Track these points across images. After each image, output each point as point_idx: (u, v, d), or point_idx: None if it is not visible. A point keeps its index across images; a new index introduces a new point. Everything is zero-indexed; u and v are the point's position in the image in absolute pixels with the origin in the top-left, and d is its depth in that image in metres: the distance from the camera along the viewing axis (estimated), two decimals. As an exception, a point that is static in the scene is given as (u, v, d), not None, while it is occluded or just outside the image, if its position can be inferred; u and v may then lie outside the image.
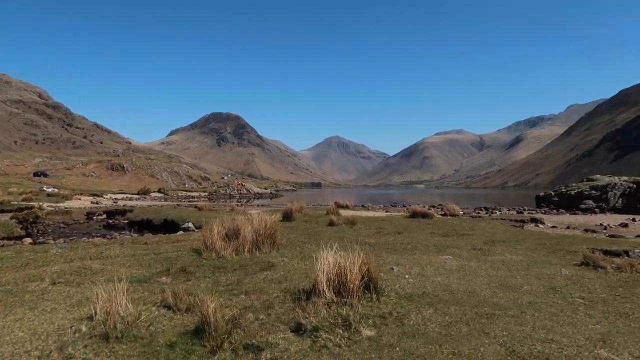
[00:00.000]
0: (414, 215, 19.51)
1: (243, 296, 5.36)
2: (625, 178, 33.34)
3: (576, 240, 12.24)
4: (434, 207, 34.31)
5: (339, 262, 5.06)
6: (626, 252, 10.78)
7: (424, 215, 19.12)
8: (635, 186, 30.02)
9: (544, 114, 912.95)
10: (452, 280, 6.39)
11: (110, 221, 23.68)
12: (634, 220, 22.74)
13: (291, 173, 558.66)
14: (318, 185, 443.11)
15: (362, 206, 34.13)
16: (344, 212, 21.41)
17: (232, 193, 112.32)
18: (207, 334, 3.89)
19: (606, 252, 10.79)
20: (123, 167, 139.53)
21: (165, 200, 70.27)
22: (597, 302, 5.58)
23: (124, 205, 32.85)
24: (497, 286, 6.19)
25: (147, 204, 43.86)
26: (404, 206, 36.43)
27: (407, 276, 6.53)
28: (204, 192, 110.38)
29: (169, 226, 17.96)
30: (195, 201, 55.01)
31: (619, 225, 20.18)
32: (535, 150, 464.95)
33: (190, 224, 15.41)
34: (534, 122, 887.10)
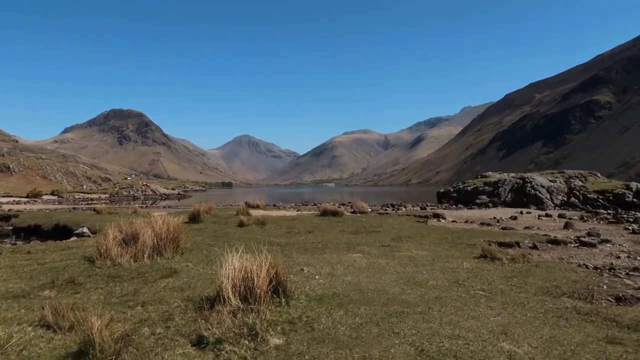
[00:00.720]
0: (325, 213, 19.63)
1: (139, 308, 4.85)
2: (512, 175, 36.50)
3: (474, 233, 13.00)
4: (343, 205, 34.96)
5: (246, 266, 4.76)
6: (517, 244, 11.66)
7: (334, 214, 19.31)
8: (521, 182, 32.93)
9: (442, 115, 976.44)
10: (361, 279, 6.36)
11: (-9, 228, 21.09)
12: (521, 213, 24.89)
13: (200, 173, 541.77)
14: (229, 185, 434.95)
15: (274, 205, 33.84)
16: (254, 212, 20.99)
17: (136, 194, 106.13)
18: (91, 356, 3.38)
19: (500, 244, 11.58)
20: (9, 167, 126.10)
21: (60, 203, 64.47)
22: (496, 293, 5.84)
23: (9, 210, 29.53)
24: (405, 282, 6.26)
25: (37, 208, 39.88)
26: (315, 205, 36.72)
27: (317, 277, 6.39)
28: (104, 194, 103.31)
29: (61, 232, 16.30)
30: (95, 204, 51.10)
31: (510, 218, 21.92)
32: (435, 150, 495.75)
33: (85, 229, 14.05)
34: (433, 123, 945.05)
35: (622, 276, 7.64)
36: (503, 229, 16.59)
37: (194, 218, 15.60)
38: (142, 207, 47.09)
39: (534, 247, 11.37)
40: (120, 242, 7.61)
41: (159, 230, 7.75)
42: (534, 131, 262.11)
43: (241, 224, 13.92)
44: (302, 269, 6.83)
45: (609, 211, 26.17)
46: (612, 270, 8.33)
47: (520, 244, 11.59)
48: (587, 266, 8.76)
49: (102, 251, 7.21)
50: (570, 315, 4.88)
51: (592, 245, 11.94)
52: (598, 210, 26.60)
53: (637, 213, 24.91)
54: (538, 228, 17.09)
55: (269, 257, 5.00)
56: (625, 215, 23.06)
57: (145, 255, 7.34)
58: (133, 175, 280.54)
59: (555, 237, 13.51)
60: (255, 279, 4.57)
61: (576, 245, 12.09)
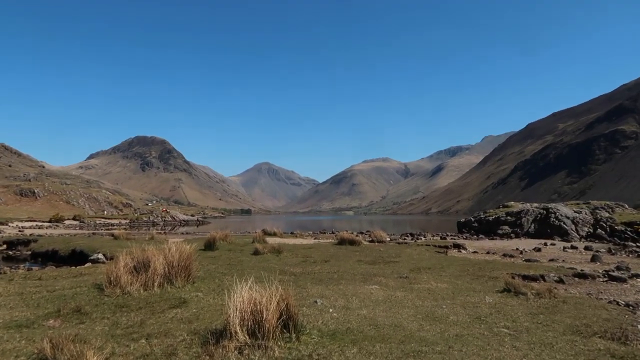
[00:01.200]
0: (342, 242, 19.30)
1: (143, 341, 4.63)
2: (536, 205, 35.62)
3: (497, 265, 12.52)
4: (362, 233, 34.54)
5: (255, 298, 4.53)
6: (542, 277, 11.15)
7: (352, 242, 18.97)
8: (545, 212, 32.08)
9: (462, 144, 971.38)
10: (377, 313, 6.05)
11: (11, 252, 21.32)
12: (545, 244, 24.11)
13: (220, 199, 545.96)
14: (248, 211, 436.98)
15: (291, 233, 33.61)
16: (271, 240, 20.79)
17: (155, 220, 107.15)
18: (84, 396, 3.17)
19: (524, 277, 11.10)
20: (34, 192, 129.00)
21: (81, 228, 65.54)
22: (522, 331, 5.46)
23: (30, 235, 29.93)
24: (424, 318, 5.93)
25: (58, 233, 40.50)
26: (333, 233, 36.36)
27: (331, 310, 6.10)
28: (124, 219, 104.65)
29: (78, 257, 16.32)
30: (115, 229, 51.65)
31: (533, 249, 21.23)
32: (456, 178, 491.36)
33: (100, 255, 14.03)
34: (453, 152, 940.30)
35: (657, 314, 7.17)
36: (526, 261, 16.02)
37: (209, 245, 15.44)
38: (160, 233, 47.41)
39: (560, 281, 10.86)
40: (131, 269, 7.46)
41: (171, 258, 7.58)
42: (557, 161, 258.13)
43: (256, 252, 13.70)
44: (316, 301, 6.55)
45: (638, 244, 25.19)
46: (645, 308, 7.85)
47: (546, 277, 11.09)
48: (618, 303, 8.27)
49: (111, 279, 7.06)
50: (603, 359, 4.49)
51: (622, 280, 11.35)
52: (626, 243, 25.63)
53: (668, 246, 23.93)
54: (563, 261, 16.47)
55: (280, 288, 4.77)
56: (656, 249, 22.15)
57: (156, 284, 7.16)
58: (154, 201, 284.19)
59: (582, 270, 12.94)
60: (265, 312, 4.34)
61: (605, 279, 11.53)
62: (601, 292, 9.63)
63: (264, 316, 4.32)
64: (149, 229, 61.69)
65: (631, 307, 7.89)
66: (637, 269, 14.08)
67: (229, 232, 20.10)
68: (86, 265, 12.19)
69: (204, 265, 10.63)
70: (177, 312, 5.86)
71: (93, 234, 42.90)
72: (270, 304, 4.45)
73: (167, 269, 7.45)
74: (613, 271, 12.82)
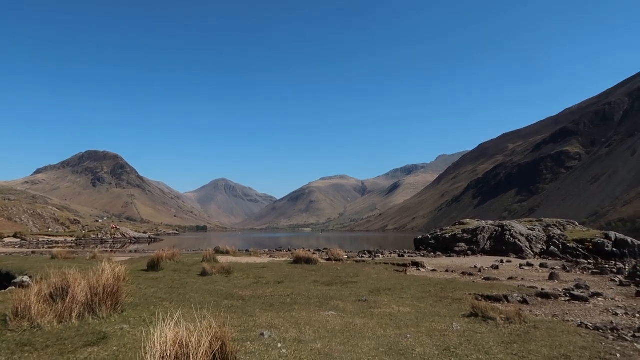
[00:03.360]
0: (298, 260, 18.40)
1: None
2: (491, 222, 36.00)
3: (458, 285, 11.99)
4: (319, 250, 33.72)
5: (182, 338, 3.62)
6: (505, 297, 10.68)
7: (308, 261, 18.10)
8: (500, 229, 32.38)
9: (418, 163, 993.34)
10: (334, 347, 5.22)
11: None
12: (502, 261, 24.10)
13: (175, 216, 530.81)
14: (203, 228, 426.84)
15: (246, 251, 32.32)
16: (223, 259, 19.63)
17: (104, 238, 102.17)
18: None
19: (487, 298, 10.60)
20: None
21: (21, 246, 61.33)
22: (498, 366, 4.79)
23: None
24: (387, 351, 5.15)
25: (-8, 252, 37.41)
26: (289, 250, 35.35)
27: (280, 344, 5.20)
28: (71, 236, 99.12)
29: (3, 280, 14.63)
30: (59, 247, 48.43)
31: (491, 267, 21.06)
32: (411, 196, 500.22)
33: (26, 278, 12.51)
34: (409, 170, 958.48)
35: (629, 339, 6.77)
36: (486, 279, 15.68)
37: (153, 265, 14.17)
38: (106, 251, 44.80)
39: (524, 301, 10.44)
40: (47, 297, 6.33)
41: (95, 283, 6.48)
42: (508, 180, 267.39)
43: (204, 273, 12.58)
44: (262, 334, 5.62)
45: (589, 261, 25.66)
46: (615, 331, 7.46)
47: (509, 297, 10.64)
48: (586, 326, 7.84)
49: (19, 309, 5.88)
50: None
51: (584, 300, 11.08)
52: (579, 260, 26.06)
53: (618, 263, 24.44)
54: (522, 279, 16.25)
55: (214, 324, 3.87)
56: (607, 266, 22.53)
57: (74, 315, 6.04)
58: (105, 218, 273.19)
59: (542, 289, 12.67)
60: (192, 358, 3.43)
61: (567, 299, 11.22)
62: (566, 314, 9.24)
63: (191, 361, 3.42)
64: (97, 247, 58.38)
65: (601, 331, 7.48)
66: (595, 287, 13.97)
67: (177, 250, 18.75)
68: (6, 289, 10.72)
69: (142, 289, 9.49)
70: (92, 352, 4.81)
71: (32, 252, 39.97)
72: (201, 345, 3.55)
73: (89, 295, 6.35)
74: (574, 290, 12.60)
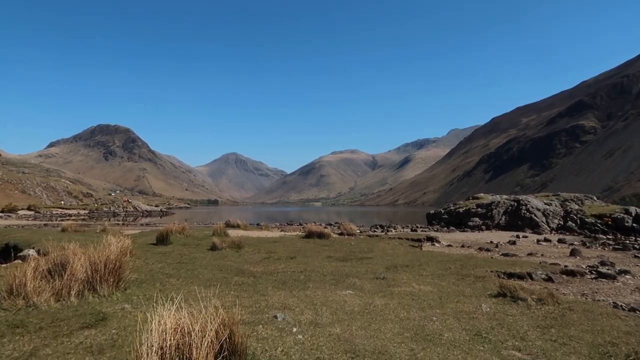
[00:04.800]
0: (310, 235, 17.95)
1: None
2: (506, 197, 35.23)
3: (478, 261, 11.46)
4: (330, 225, 33.35)
5: (183, 326, 3.13)
6: (529, 275, 10.16)
7: (320, 236, 17.64)
8: (516, 204, 31.65)
9: (429, 137, 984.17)
10: (355, 331, 4.72)
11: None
12: (518, 237, 23.53)
13: (186, 190, 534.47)
14: (214, 202, 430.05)
15: (257, 224, 32.05)
16: (233, 232, 19.28)
17: (116, 211, 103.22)
18: None
19: (510, 275, 10.08)
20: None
21: (35, 219, 61.92)
22: (538, 355, 4.27)
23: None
24: (413, 337, 4.65)
25: (6, 224, 37.65)
26: (300, 224, 35.05)
27: (295, 329, 4.70)
28: (83, 209, 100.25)
29: (8, 253, 14.38)
30: (72, 220, 48.72)
31: (508, 242, 20.52)
32: (422, 171, 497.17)
33: (32, 251, 12.24)
34: (420, 144, 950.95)
35: (673, 322, 6.19)
36: (504, 255, 15.18)
37: (162, 239, 13.79)
38: (118, 224, 44.96)
39: (549, 279, 9.90)
40: (45, 273, 5.91)
41: (96, 258, 6.04)
42: (520, 154, 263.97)
43: (214, 248, 12.17)
44: (276, 316, 5.14)
45: (608, 236, 24.97)
46: (653, 313, 6.90)
47: (533, 275, 10.11)
48: (621, 306, 7.30)
49: (13, 286, 5.47)
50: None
51: (612, 278, 10.52)
52: (597, 235, 25.38)
53: (638, 239, 23.75)
54: (542, 255, 15.71)
55: (220, 310, 3.37)
56: (628, 242, 21.86)
57: (73, 293, 5.61)
58: (117, 192, 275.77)
59: (566, 266, 12.12)
60: (194, 351, 2.93)
61: (594, 276, 10.67)
62: (596, 292, 8.71)
63: (194, 354, 2.92)
64: (109, 220, 58.74)
65: (638, 312, 6.93)
66: (620, 264, 13.40)
67: (186, 224, 18.40)
68: (10, 263, 10.41)
69: (149, 264, 9.09)
70: (88, 335, 4.37)
71: (45, 225, 40.18)
72: (206, 334, 3.05)
73: (90, 272, 5.91)
74: (600, 267, 12.02)
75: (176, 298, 3.58)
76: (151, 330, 3.07)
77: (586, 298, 7.98)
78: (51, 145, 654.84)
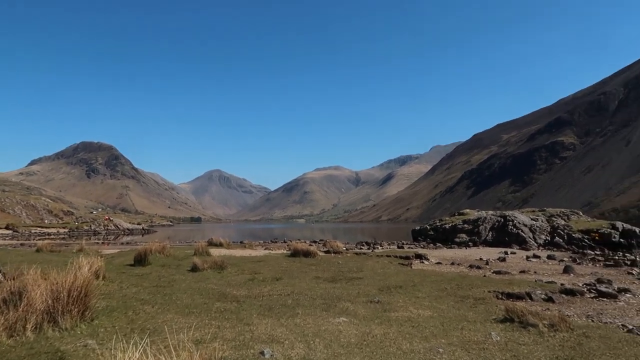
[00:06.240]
0: (296, 253, 17.29)
1: None
2: (492, 212, 35.05)
3: (473, 281, 10.96)
4: (315, 242, 32.68)
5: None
6: (528, 295, 9.65)
7: (306, 254, 16.99)
8: (502, 220, 31.45)
9: (412, 154, 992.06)
10: (354, 371, 4.12)
11: None
12: (506, 253, 23.18)
13: (169, 207, 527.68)
14: (198, 220, 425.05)
15: (240, 242, 31.22)
16: (216, 252, 18.52)
17: (97, 229, 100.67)
18: None
19: (509, 296, 9.56)
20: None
21: (12, 238, 59.79)
22: (565, 395, 3.71)
23: None
24: (421, 376, 4.06)
25: (-22, 244, 36.10)
26: (285, 242, 34.29)
27: (284, 368, 4.09)
28: (64, 228, 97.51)
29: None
30: (51, 239, 47.10)
31: (497, 259, 20.14)
32: (405, 187, 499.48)
33: (-3, 275, 11.34)
34: (403, 161, 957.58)
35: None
36: (497, 273, 14.71)
37: (140, 260, 13.00)
38: (98, 243, 43.59)
39: (549, 299, 9.44)
40: (-1, 303, 5.19)
41: (59, 285, 5.34)
42: (502, 170, 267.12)
43: (194, 269, 11.44)
44: (262, 352, 4.46)
45: (595, 252, 24.80)
46: (668, 337, 6.42)
47: (532, 295, 9.63)
48: (632, 330, 6.82)
49: (-41, 320, 4.74)
50: None
51: (613, 297, 10.10)
52: (585, 251, 25.20)
53: (626, 254, 23.61)
54: (535, 272, 15.30)
55: (196, 354, 2.74)
56: (618, 257, 21.67)
57: (29, 326, 4.89)
58: (99, 209, 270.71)
59: (562, 284, 11.68)
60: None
61: (594, 295, 10.24)
62: (601, 314, 8.23)
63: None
64: (89, 239, 56.96)
65: (652, 337, 6.46)
66: (617, 282, 13.04)
67: (167, 243, 17.59)
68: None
69: (123, 289, 8.36)
70: (39, 382, 3.69)
71: (21, 245, 38.66)
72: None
73: (50, 301, 5.21)
74: (599, 286, 11.61)
75: (148, 330, 2.95)
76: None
77: (592, 320, 7.50)
78: (32, 162, 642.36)
